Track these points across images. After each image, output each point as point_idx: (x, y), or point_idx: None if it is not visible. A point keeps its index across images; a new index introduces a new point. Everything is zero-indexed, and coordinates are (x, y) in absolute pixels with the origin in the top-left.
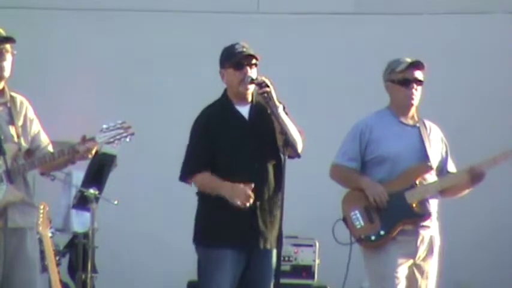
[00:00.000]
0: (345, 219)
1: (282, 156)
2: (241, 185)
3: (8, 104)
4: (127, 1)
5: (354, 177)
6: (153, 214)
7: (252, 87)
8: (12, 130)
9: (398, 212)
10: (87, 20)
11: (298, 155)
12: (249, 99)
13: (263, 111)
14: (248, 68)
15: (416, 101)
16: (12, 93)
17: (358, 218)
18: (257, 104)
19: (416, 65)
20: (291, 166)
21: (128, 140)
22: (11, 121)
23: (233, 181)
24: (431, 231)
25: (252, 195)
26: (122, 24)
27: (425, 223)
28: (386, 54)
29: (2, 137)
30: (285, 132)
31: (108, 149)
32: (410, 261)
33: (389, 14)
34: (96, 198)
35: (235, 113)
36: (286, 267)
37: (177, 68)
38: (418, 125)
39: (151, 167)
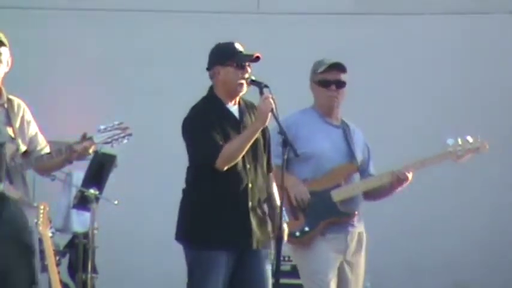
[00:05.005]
0: None
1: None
2: None
3: (5, 105)
4: (127, 1)
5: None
6: (153, 214)
7: (245, 88)
8: (9, 131)
9: (323, 210)
10: (87, 20)
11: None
12: (238, 99)
13: (250, 111)
14: (249, 69)
15: (338, 102)
16: (10, 96)
17: (284, 214)
18: (244, 104)
19: (336, 66)
20: None
21: (125, 141)
22: (9, 122)
23: (225, 181)
24: (359, 228)
25: None
26: (122, 24)
27: (353, 221)
28: (386, 54)
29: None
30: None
31: (108, 149)
32: (341, 258)
33: (389, 14)
34: (96, 198)
35: (227, 112)
36: (286, 267)
37: (177, 68)
38: (341, 125)
39: (151, 167)
